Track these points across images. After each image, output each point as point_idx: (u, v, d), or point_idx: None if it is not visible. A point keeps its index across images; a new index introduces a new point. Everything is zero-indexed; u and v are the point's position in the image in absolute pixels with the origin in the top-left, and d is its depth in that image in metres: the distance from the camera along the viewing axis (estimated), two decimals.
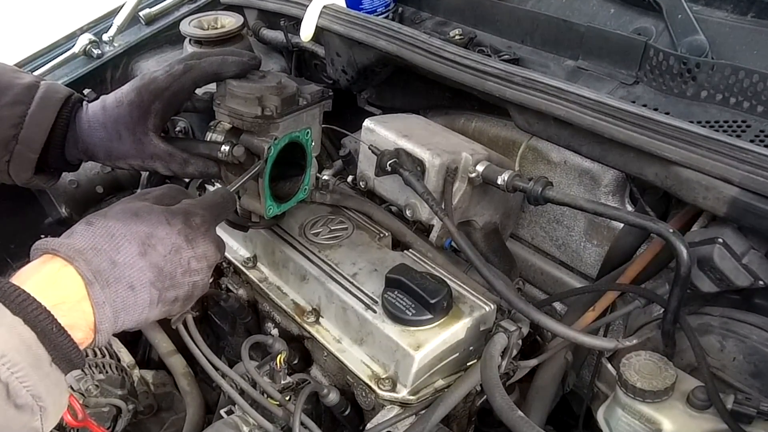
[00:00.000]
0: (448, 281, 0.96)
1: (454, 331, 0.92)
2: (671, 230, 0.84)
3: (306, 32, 1.33)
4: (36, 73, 1.42)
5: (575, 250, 1.19)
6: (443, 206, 1.01)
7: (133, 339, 1.42)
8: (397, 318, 0.91)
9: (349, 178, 1.26)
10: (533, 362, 1.01)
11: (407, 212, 1.11)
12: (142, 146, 0.91)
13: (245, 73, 0.94)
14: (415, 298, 0.91)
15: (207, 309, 1.32)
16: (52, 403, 0.61)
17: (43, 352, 0.61)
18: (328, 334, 1.02)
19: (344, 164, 1.34)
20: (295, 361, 1.07)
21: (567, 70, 1.10)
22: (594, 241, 1.16)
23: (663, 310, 0.96)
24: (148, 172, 1.27)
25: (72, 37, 1.50)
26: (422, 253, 1.06)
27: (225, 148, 0.93)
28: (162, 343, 1.23)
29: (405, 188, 1.09)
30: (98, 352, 1.21)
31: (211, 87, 0.97)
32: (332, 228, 1.11)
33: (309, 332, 1.03)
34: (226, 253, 1.17)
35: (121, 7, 1.53)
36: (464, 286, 0.99)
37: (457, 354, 0.95)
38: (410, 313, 0.91)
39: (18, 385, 0.58)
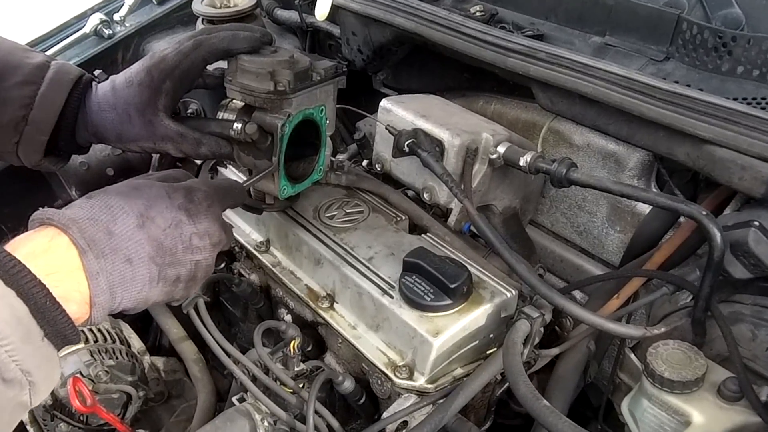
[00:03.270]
0: (468, 266, 0.93)
1: (474, 318, 0.89)
2: (704, 212, 0.80)
3: (321, 10, 1.29)
4: (47, 53, 1.40)
5: (597, 236, 1.15)
6: (462, 188, 0.97)
7: (143, 325, 1.40)
8: (414, 303, 0.88)
9: (364, 163, 1.23)
10: (555, 351, 0.97)
11: (425, 195, 1.07)
12: (153, 128, 0.88)
13: (257, 48, 0.91)
14: (434, 282, 0.88)
15: (218, 295, 1.30)
16: (43, 378, 0.59)
17: (34, 326, 0.59)
18: (342, 320, 0.99)
19: (359, 148, 1.31)
20: (309, 348, 1.04)
21: (593, 47, 1.06)
22: (617, 227, 1.12)
23: (691, 297, 0.92)
24: (158, 154, 1.24)
25: (83, 17, 1.48)
26: (440, 236, 1.03)
27: (237, 125, 0.90)
28: (173, 329, 1.21)
29: (423, 170, 1.06)
30: (108, 338, 1.18)
31: (223, 63, 0.94)
32: (348, 211, 1.08)
33: (323, 318, 1.00)
34: (238, 236, 1.14)
35: None
36: (484, 271, 0.95)
37: (477, 341, 0.92)
38: (429, 299, 0.87)
39: (7, 358, 0.56)
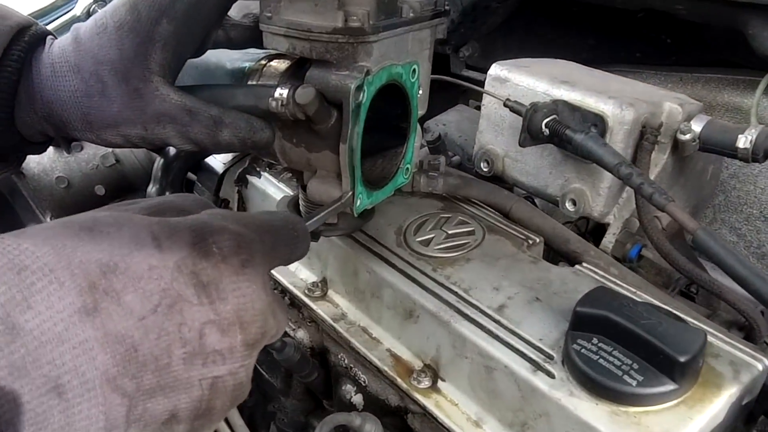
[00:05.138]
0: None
1: (713, 414, 0.49)
2: None
3: None
4: None
5: None
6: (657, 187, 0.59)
7: None
8: (603, 389, 0.49)
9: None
10: None
11: (567, 204, 0.70)
12: (142, 101, 0.53)
13: None
14: (639, 351, 0.49)
15: None
16: None
17: None
18: (456, 410, 0.60)
19: (432, 153, 0.95)
20: None
21: None
22: None
23: None
24: (162, 159, 0.88)
25: None
26: (603, 268, 0.64)
27: (281, 91, 0.54)
28: None
29: (562, 166, 0.69)
30: None
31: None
32: (450, 232, 0.70)
33: (420, 404, 0.62)
34: (280, 277, 0.77)
35: None
36: (708, 328, 0.56)
37: None
38: (633, 381, 0.48)
39: None
